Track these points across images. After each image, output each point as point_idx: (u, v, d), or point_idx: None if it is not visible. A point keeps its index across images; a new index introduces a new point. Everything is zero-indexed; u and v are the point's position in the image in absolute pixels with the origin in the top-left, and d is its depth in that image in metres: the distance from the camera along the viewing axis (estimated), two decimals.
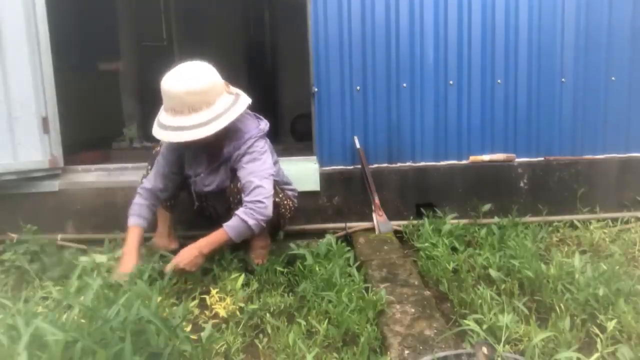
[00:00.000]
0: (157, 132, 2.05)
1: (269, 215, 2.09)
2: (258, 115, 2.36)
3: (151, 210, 2.27)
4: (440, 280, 2.14)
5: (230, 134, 2.18)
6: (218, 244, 2.08)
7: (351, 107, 2.87)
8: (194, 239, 2.52)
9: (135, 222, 2.19)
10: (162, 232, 2.45)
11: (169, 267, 2.01)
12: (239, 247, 2.40)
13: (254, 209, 2.05)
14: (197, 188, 2.30)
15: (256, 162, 2.13)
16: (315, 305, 1.87)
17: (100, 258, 2.21)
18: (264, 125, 2.29)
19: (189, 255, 2.03)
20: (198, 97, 1.99)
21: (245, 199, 2.07)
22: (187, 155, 2.30)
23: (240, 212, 2.06)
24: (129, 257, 2.09)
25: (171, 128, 2.00)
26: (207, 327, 1.59)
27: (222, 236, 2.06)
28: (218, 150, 2.22)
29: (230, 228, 2.05)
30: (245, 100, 2.15)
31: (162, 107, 2.09)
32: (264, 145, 2.22)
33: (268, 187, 2.10)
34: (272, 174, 2.18)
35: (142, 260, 2.11)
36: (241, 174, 2.13)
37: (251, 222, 2.04)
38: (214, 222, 2.53)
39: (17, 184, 2.70)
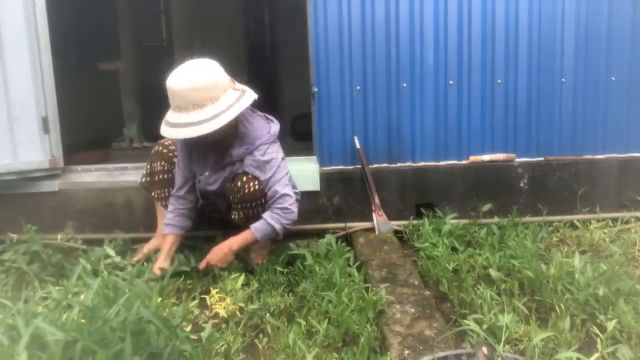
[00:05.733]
0: (163, 130, 2.06)
1: (295, 220, 2.22)
2: (268, 116, 2.37)
3: (182, 214, 2.34)
4: (440, 280, 2.14)
5: (240, 136, 2.21)
6: (245, 244, 2.20)
7: (351, 107, 2.87)
8: (194, 239, 2.55)
9: (167, 230, 2.32)
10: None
11: (202, 265, 2.16)
12: None
13: (281, 214, 2.16)
14: (201, 187, 2.32)
15: (278, 170, 2.21)
16: (315, 305, 1.87)
17: (110, 252, 2.27)
18: (275, 127, 2.31)
19: (220, 252, 2.18)
20: (201, 93, 2.00)
21: (273, 205, 2.18)
22: (194, 154, 2.32)
23: (267, 216, 2.16)
24: (160, 260, 2.23)
25: (176, 125, 2.01)
26: (207, 327, 1.59)
27: (249, 237, 2.17)
28: (225, 150, 2.23)
29: (257, 230, 2.16)
30: (250, 95, 2.15)
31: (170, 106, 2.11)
32: (278, 149, 2.26)
33: (292, 194, 2.21)
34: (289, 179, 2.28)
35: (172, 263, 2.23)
36: (264, 182, 2.18)
37: (277, 226, 2.16)
38: (214, 221, 2.55)
39: (17, 184, 2.70)
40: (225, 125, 2.00)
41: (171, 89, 2.01)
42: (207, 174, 2.29)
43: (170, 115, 2.06)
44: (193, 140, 2.08)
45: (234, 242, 2.19)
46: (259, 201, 2.19)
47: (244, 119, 2.23)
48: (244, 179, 2.17)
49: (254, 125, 2.24)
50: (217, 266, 2.15)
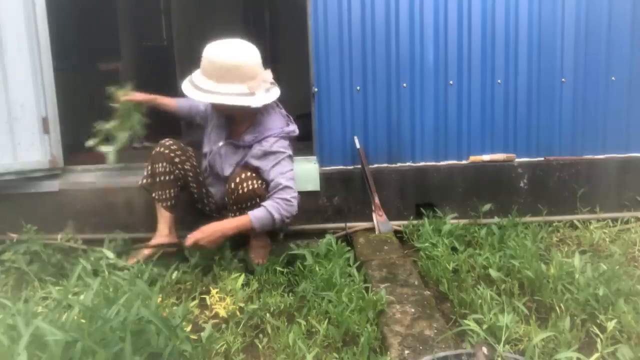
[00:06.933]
0: (184, 83, 2.23)
1: (294, 214, 2.20)
2: (290, 117, 2.41)
3: (186, 105, 2.59)
4: (440, 280, 2.14)
5: (255, 124, 2.29)
6: (239, 230, 2.15)
7: (351, 107, 2.87)
8: None
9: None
10: (162, 232, 2.45)
11: (189, 242, 2.09)
12: (239, 247, 2.40)
13: (282, 204, 2.14)
14: (211, 158, 2.37)
15: (282, 162, 2.22)
16: (315, 305, 1.87)
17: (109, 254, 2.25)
18: (292, 128, 2.34)
19: (212, 233, 2.10)
20: (218, 69, 2.11)
21: (274, 195, 2.16)
22: (211, 125, 2.42)
23: (268, 204, 2.13)
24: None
25: (194, 83, 2.18)
26: (207, 327, 1.59)
27: (245, 223, 2.12)
28: (237, 130, 2.36)
29: (255, 218, 2.11)
30: (268, 97, 2.20)
31: None
32: (287, 146, 2.28)
33: (294, 188, 2.21)
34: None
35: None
36: (266, 173, 2.21)
37: (277, 216, 2.13)
38: (213, 221, 2.54)
39: (17, 184, 2.70)
40: (221, 104, 2.13)
41: (204, 52, 2.17)
42: (220, 144, 2.34)
43: (195, 74, 2.23)
44: (215, 106, 2.27)
45: (228, 226, 2.13)
46: (254, 201, 2.19)
47: (264, 109, 2.29)
48: (237, 179, 2.18)
49: (271, 117, 2.30)
50: (203, 247, 2.09)
